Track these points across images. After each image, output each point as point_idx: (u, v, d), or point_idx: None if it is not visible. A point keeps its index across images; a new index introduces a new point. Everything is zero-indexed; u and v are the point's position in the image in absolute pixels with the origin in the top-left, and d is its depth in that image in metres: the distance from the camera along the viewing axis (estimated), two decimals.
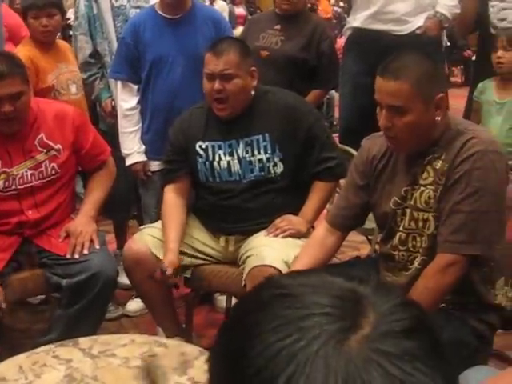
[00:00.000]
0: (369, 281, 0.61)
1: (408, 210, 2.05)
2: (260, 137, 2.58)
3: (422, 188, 2.01)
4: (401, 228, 2.07)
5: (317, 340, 0.54)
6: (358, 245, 3.64)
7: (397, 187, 2.07)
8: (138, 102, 3.11)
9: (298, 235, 2.52)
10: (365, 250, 3.40)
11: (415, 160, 2.03)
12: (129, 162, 3.14)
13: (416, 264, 2.05)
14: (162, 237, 2.57)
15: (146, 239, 2.61)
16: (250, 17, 9.23)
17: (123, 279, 2.95)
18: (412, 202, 2.03)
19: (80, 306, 2.50)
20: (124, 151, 3.14)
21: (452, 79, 10.54)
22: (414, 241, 2.05)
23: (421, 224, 2.03)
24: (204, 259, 2.68)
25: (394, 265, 2.12)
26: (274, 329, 0.56)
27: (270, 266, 2.30)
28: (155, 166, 3.10)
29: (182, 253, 2.57)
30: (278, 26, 3.56)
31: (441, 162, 1.97)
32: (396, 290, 0.61)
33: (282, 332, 0.56)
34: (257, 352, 0.56)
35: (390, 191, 2.09)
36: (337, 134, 3.75)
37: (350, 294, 0.59)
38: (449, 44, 8.60)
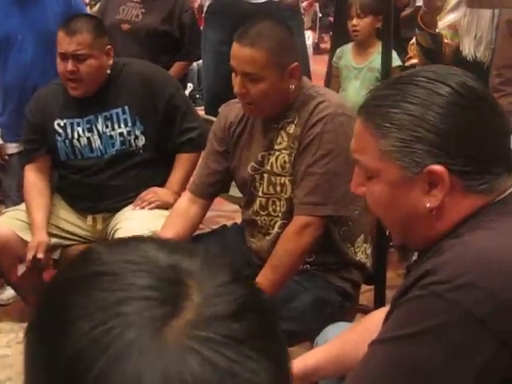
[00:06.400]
0: (197, 253, 0.56)
1: (266, 175, 2.08)
2: (119, 110, 2.54)
3: (277, 153, 2.04)
4: (260, 193, 2.10)
5: (132, 329, 0.48)
6: (231, 214, 3.65)
7: (254, 152, 2.10)
8: None
9: (165, 206, 2.51)
10: (239, 219, 3.43)
11: (270, 125, 2.05)
12: None
13: (276, 228, 2.08)
14: (28, 219, 2.50)
15: (11, 223, 2.53)
16: None
17: None
18: (269, 167, 2.07)
19: None
20: None
21: (322, 45, 10.73)
22: (274, 205, 2.08)
23: (278, 188, 2.06)
24: (72, 239, 2.63)
25: (257, 229, 2.15)
26: (89, 314, 0.50)
27: None
28: (12, 148, 3.02)
29: (49, 234, 2.51)
30: None
31: (293, 126, 2.01)
32: (225, 265, 0.56)
33: (97, 318, 0.49)
34: (70, 341, 0.49)
35: (247, 157, 2.12)
36: None
37: (173, 272, 0.53)
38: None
